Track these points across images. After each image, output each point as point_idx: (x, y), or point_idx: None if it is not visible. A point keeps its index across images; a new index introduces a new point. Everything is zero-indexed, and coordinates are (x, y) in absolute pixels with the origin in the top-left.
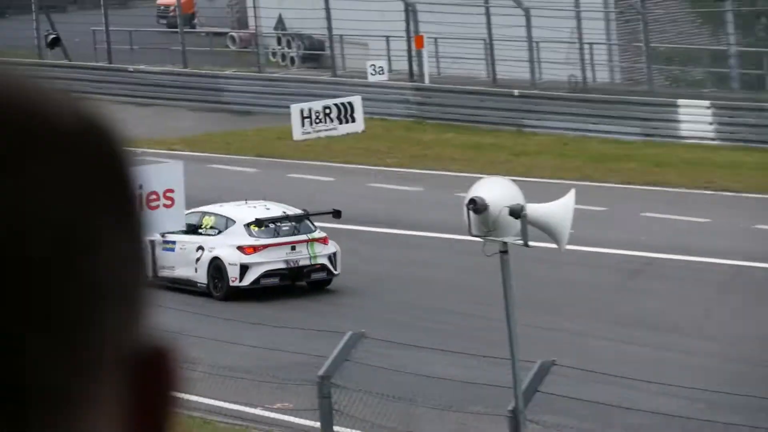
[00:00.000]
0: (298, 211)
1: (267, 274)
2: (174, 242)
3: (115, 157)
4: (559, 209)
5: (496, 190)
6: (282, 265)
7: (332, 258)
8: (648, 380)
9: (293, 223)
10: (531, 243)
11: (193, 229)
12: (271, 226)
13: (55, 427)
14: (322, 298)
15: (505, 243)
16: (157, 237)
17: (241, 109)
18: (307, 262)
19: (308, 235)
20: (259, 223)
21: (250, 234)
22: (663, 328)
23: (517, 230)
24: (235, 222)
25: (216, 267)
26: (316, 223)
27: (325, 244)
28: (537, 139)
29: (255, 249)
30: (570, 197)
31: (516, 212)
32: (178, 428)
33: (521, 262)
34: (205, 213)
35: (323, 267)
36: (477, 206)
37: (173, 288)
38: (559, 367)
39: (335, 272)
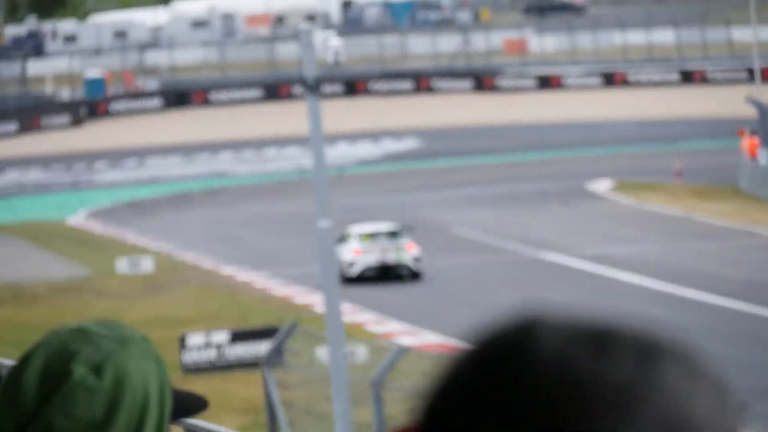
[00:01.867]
0: (393, 228)
1: (366, 268)
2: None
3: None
4: None
5: None
6: (377, 263)
7: (417, 260)
8: None
9: (390, 235)
10: None
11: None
12: (371, 238)
13: None
14: None
15: None
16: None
17: None
18: (394, 263)
19: (396, 243)
20: (363, 236)
21: (360, 242)
22: None
23: None
24: (351, 235)
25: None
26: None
27: (409, 250)
28: None
29: (360, 252)
30: None
31: None
32: None
33: None
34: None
35: (406, 266)
36: None
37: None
38: None
39: (417, 271)
